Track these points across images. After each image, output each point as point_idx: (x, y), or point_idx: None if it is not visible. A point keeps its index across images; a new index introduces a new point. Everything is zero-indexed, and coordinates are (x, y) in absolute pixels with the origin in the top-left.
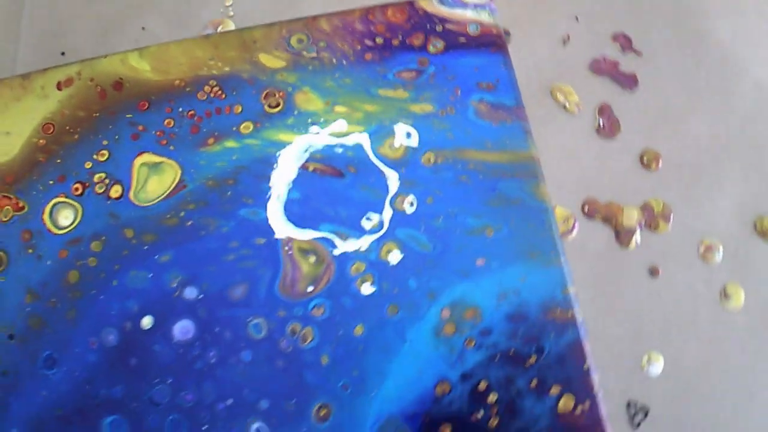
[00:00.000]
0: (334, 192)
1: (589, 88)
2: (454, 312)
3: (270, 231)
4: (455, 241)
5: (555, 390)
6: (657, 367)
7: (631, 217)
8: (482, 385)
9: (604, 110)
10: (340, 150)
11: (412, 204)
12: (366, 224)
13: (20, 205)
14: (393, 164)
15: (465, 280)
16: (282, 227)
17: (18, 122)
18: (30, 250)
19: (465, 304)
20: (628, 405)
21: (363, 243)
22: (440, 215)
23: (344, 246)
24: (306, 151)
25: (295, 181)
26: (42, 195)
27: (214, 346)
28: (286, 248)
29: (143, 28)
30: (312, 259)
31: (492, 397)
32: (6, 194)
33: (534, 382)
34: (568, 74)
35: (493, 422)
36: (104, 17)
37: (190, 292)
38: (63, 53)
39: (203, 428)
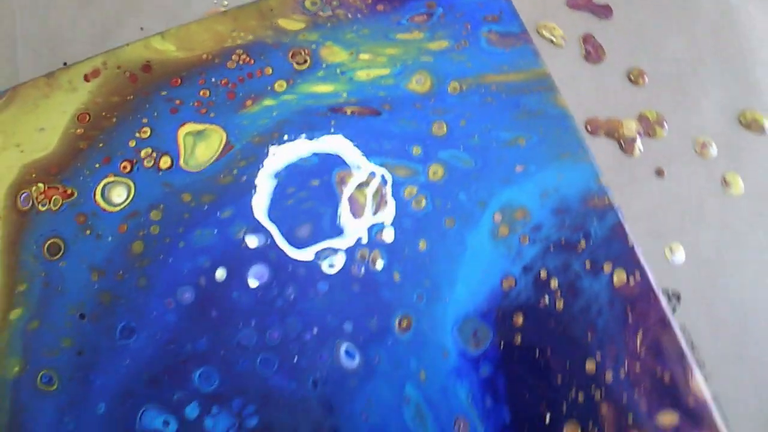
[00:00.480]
0: (375, 129)
1: (570, 22)
2: (505, 215)
3: (323, 172)
4: (493, 153)
5: (607, 268)
6: (680, 255)
7: (630, 128)
8: (543, 274)
9: (587, 39)
10: (372, 91)
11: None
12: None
13: (69, 192)
14: (422, 97)
15: (509, 186)
16: (333, 166)
17: (51, 117)
18: (87, 232)
19: (513, 207)
20: (663, 293)
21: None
22: (475, 134)
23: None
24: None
25: (336, 126)
26: (90, 179)
27: (291, 284)
28: (340, 185)
29: (141, 29)
30: (366, 190)
31: (554, 283)
32: (52, 185)
33: (588, 264)
34: (550, 13)
35: (559, 304)
36: (99, 22)
37: (258, 239)
38: (65, 63)
39: (294, 360)
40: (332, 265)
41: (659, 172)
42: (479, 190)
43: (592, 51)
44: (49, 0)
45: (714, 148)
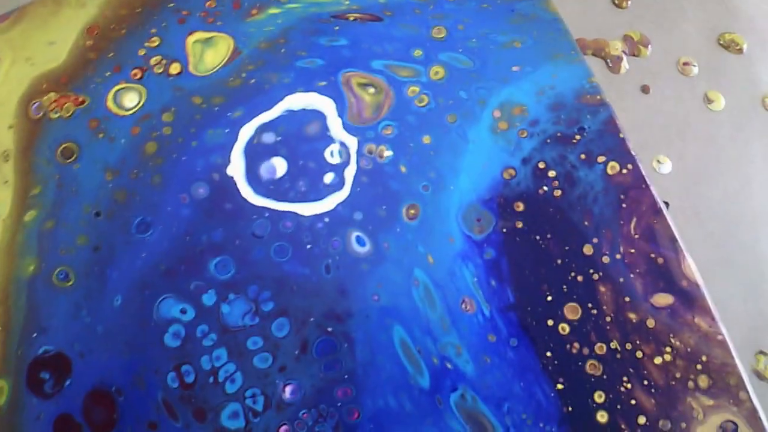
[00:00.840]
0: (378, 33)
1: None
2: (504, 111)
3: (328, 73)
4: (491, 55)
5: (601, 159)
6: (666, 167)
7: (616, 47)
8: (541, 165)
9: None
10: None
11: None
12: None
13: (80, 99)
14: (421, 4)
15: (507, 85)
16: (339, 67)
17: (60, 31)
18: (101, 135)
19: (511, 103)
20: None
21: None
22: (473, 37)
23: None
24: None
25: (340, 32)
26: (101, 86)
27: (302, 177)
28: (346, 86)
29: None
30: (371, 90)
31: (551, 173)
32: (63, 94)
33: (583, 155)
34: None
35: (557, 193)
36: None
37: (268, 137)
38: None
39: (307, 247)
40: (342, 160)
41: (644, 89)
42: (479, 89)
43: None
44: None
45: (695, 67)
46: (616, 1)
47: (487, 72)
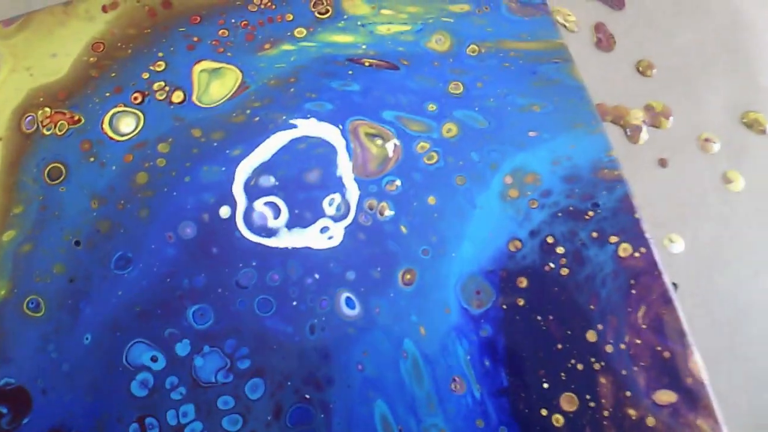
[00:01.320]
0: (392, 82)
1: (584, 10)
2: (516, 178)
3: (336, 119)
4: (508, 117)
5: (614, 239)
6: (678, 246)
7: (637, 116)
8: (549, 240)
9: (599, 27)
10: (391, 46)
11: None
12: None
13: (76, 118)
14: (441, 56)
15: (522, 150)
16: (348, 115)
17: (65, 44)
18: (91, 159)
19: (525, 171)
20: None
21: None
22: (491, 96)
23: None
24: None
25: (353, 77)
26: (99, 106)
27: (296, 228)
28: (353, 134)
29: None
30: (379, 141)
31: (560, 249)
32: (59, 110)
33: (594, 234)
34: (564, 1)
35: (564, 271)
36: None
37: (266, 180)
38: None
39: (293, 303)
40: (340, 213)
41: (662, 162)
42: (492, 152)
43: (603, 39)
44: None
45: (717, 144)
46: (641, 69)
47: (502, 134)
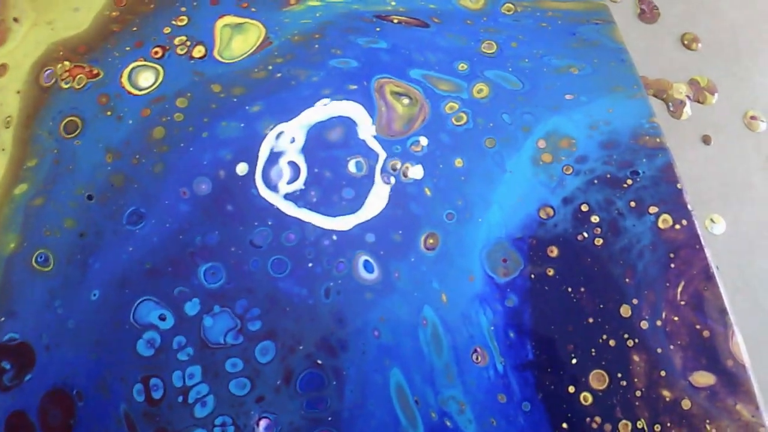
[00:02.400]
0: (422, 40)
1: None
2: (550, 142)
3: (361, 77)
4: (543, 79)
5: (653, 209)
6: (720, 227)
7: (680, 91)
8: (584, 208)
9: None
10: (422, 3)
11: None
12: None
13: (95, 72)
14: (474, 14)
15: (556, 113)
16: (373, 72)
17: None
18: (108, 113)
19: (559, 135)
20: None
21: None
22: (525, 57)
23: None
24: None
25: (381, 33)
26: (119, 60)
27: (314, 187)
28: (378, 92)
29: None
30: (405, 100)
31: (594, 219)
32: (78, 64)
33: (633, 203)
34: None
35: (598, 242)
36: None
37: (285, 139)
38: None
39: (308, 265)
40: (360, 170)
41: (705, 140)
42: (525, 114)
43: (647, 10)
44: None
45: (764, 123)
46: (686, 42)
47: (536, 97)
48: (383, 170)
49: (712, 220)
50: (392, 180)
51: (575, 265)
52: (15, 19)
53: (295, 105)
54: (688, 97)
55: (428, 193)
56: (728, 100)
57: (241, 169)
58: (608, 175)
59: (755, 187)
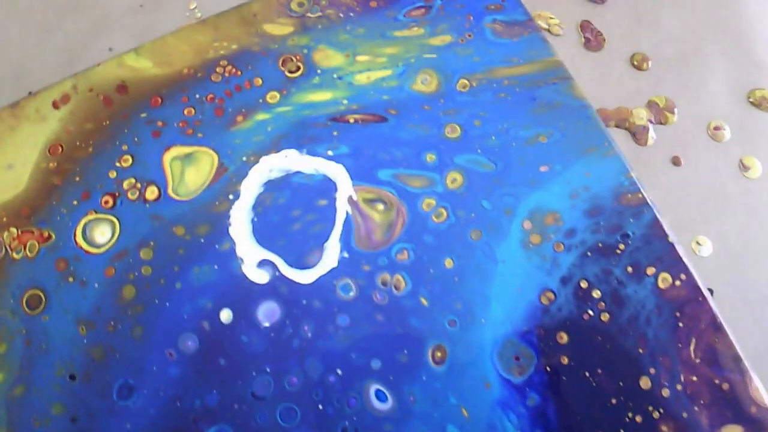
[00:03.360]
0: (383, 137)
1: (565, 8)
2: (535, 221)
3: (330, 189)
4: (514, 154)
5: (650, 270)
6: (706, 248)
7: (641, 116)
8: (583, 284)
9: (585, 26)
10: (375, 96)
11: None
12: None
13: (45, 234)
14: (430, 98)
15: (535, 188)
16: (341, 184)
17: (19, 152)
18: (70, 279)
19: (543, 212)
20: None
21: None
22: (492, 134)
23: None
24: (339, 104)
25: (339, 138)
26: (68, 218)
27: (306, 320)
28: (351, 203)
29: (110, 49)
30: (380, 206)
31: (596, 293)
32: (26, 228)
33: (630, 268)
34: (543, 1)
35: (605, 317)
36: (64, 45)
37: (264, 273)
38: (30, 92)
39: (319, 407)
40: (349, 292)
41: (675, 161)
42: (504, 196)
43: (592, 38)
44: (7, 27)
45: (727, 131)
46: (636, 62)
47: (511, 175)
48: (374, 287)
49: (698, 243)
50: (386, 297)
51: (587, 347)
52: None
53: (268, 233)
54: (650, 121)
55: (425, 302)
56: (688, 115)
57: (226, 316)
58: (600, 244)
59: (732, 197)
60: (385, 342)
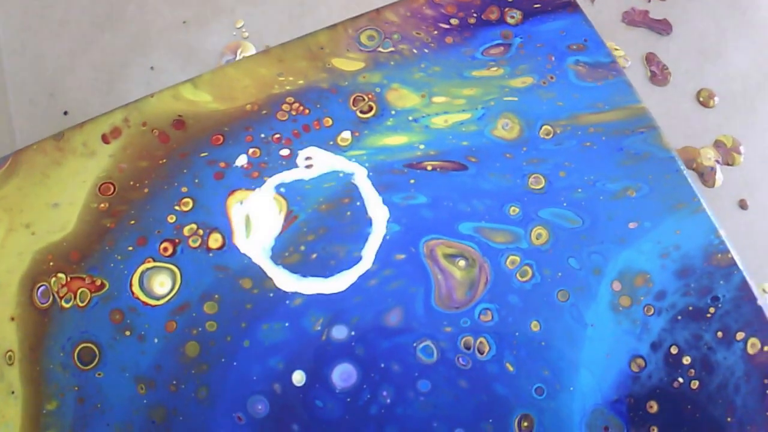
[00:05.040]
0: (464, 187)
1: (630, 40)
2: (624, 282)
3: (408, 242)
4: (602, 209)
5: (740, 336)
6: None
7: (708, 156)
8: (673, 350)
9: (650, 59)
10: (453, 141)
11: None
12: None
13: (98, 283)
14: (512, 145)
15: (624, 247)
16: (419, 235)
17: (65, 189)
18: (127, 332)
19: (632, 272)
20: None
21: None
22: (578, 187)
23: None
24: (417, 150)
25: (416, 186)
26: (123, 265)
27: (385, 384)
28: (430, 258)
29: (152, 68)
30: (461, 263)
31: (686, 360)
32: (76, 275)
33: (719, 333)
34: (606, 31)
35: (694, 385)
36: (101, 62)
37: (339, 332)
38: (66, 113)
39: None
40: (431, 356)
41: (742, 204)
42: (592, 255)
43: (658, 72)
44: (40, 41)
45: None
46: (702, 99)
47: (599, 232)
48: (456, 351)
49: (764, 290)
50: (469, 361)
51: (677, 416)
52: None
53: (342, 290)
54: (716, 161)
55: (510, 368)
56: (755, 156)
57: (298, 378)
58: (690, 308)
59: None
60: (468, 410)
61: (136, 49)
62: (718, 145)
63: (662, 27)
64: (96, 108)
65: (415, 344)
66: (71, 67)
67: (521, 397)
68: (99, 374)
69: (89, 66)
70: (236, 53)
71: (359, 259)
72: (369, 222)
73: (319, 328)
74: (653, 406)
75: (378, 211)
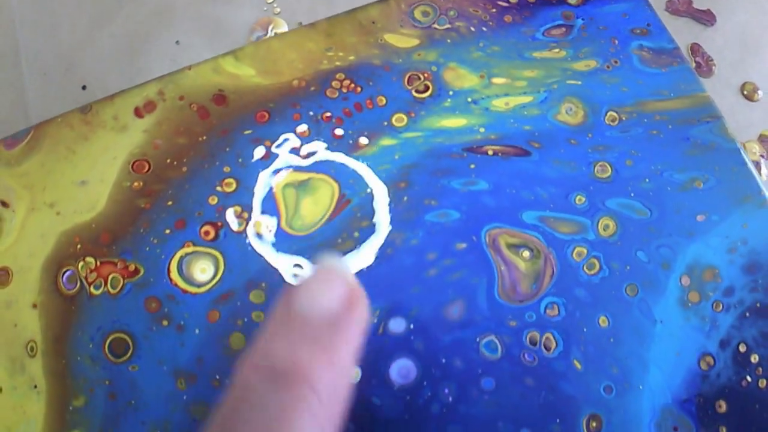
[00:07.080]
0: (527, 173)
1: (674, 30)
2: (694, 277)
3: (468, 231)
4: (670, 201)
5: None
6: None
7: (754, 151)
8: (742, 348)
9: (695, 50)
10: (515, 125)
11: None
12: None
13: (132, 268)
14: (577, 131)
15: (693, 240)
16: (481, 223)
17: (94, 166)
18: (164, 322)
19: (701, 267)
20: None
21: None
22: (645, 176)
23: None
24: (476, 133)
25: (477, 171)
26: (160, 249)
27: (446, 381)
28: (493, 248)
29: (177, 42)
30: (526, 253)
31: (754, 358)
32: (107, 259)
33: None
34: None
35: (762, 383)
36: (123, 34)
37: (397, 325)
38: (84, 87)
39: None
40: (495, 351)
41: None
42: (661, 248)
43: (703, 63)
44: (55, 10)
45: None
46: (746, 92)
47: (668, 224)
48: (521, 347)
49: None
50: (535, 358)
51: (746, 416)
52: (3, 203)
53: (400, 280)
54: (761, 156)
55: (578, 366)
56: None
57: (353, 374)
58: (758, 305)
59: None
60: (535, 409)
61: (159, 21)
62: (762, 139)
63: (706, 17)
64: (116, 83)
65: (478, 339)
66: (90, 39)
67: (590, 395)
68: (133, 368)
69: (109, 38)
70: (267, 29)
71: (417, 248)
72: (427, 208)
73: (375, 320)
74: (722, 406)
75: (438, 197)
